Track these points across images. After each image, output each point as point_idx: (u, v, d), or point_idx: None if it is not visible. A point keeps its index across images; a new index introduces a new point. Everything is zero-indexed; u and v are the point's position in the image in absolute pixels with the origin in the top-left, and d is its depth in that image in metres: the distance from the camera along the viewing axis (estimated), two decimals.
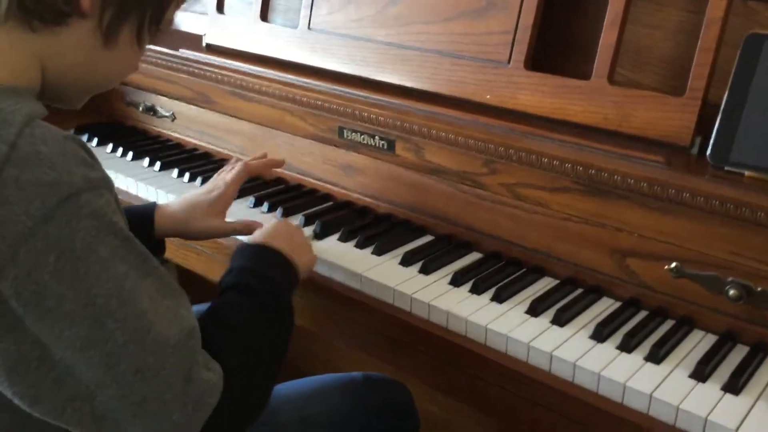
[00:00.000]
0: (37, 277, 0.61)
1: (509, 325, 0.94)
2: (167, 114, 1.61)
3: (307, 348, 1.92)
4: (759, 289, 0.89)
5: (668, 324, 0.96)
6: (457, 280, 1.04)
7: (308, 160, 1.35)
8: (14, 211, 0.60)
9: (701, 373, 0.85)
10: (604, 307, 1.00)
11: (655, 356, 0.88)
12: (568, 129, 1.05)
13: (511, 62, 1.12)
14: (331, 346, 1.86)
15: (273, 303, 0.84)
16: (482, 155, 1.10)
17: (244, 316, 0.79)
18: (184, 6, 0.93)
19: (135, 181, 1.40)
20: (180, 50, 1.53)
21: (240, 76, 1.40)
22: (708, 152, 0.95)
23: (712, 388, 0.83)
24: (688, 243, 0.94)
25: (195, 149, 1.57)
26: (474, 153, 1.10)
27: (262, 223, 1.06)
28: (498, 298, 1.00)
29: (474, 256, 1.13)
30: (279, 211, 1.25)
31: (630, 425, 0.81)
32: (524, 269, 1.09)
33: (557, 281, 1.06)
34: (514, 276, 1.06)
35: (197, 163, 1.49)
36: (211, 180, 1.15)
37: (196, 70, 1.48)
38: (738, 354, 0.90)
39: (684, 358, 0.89)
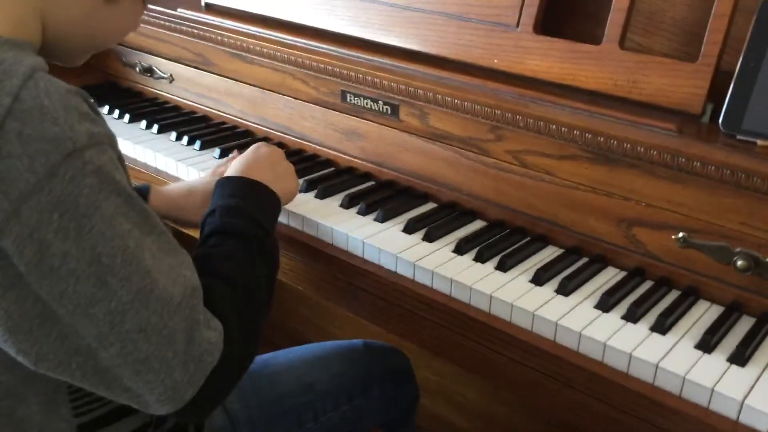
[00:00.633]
0: (40, 234, 0.60)
1: (513, 293, 0.93)
2: (165, 75, 1.58)
3: (306, 316, 1.92)
4: (767, 259, 0.88)
5: (674, 294, 0.95)
6: (461, 248, 1.03)
7: (310, 125, 1.33)
8: (17, 167, 0.59)
9: (707, 343, 0.84)
10: (610, 276, 0.99)
11: (661, 326, 0.87)
12: (577, 95, 1.03)
13: (520, 26, 1.09)
14: (331, 314, 1.85)
15: (260, 243, 0.83)
16: (488, 121, 1.07)
17: (235, 263, 0.79)
18: None
19: (132, 143, 1.38)
20: (178, 9, 1.49)
21: (240, 37, 1.37)
22: (720, 120, 0.93)
23: (718, 359, 0.82)
24: (697, 213, 0.93)
25: (193, 112, 1.55)
26: (480, 119, 1.08)
27: None
28: (502, 267, 0.99)
29: (478, 224, 1.12)
30: None
31: (636, 395, 0.81)
32: (529, 238, 1.07)
33: (562, 250, 1.05)
34: (518, 244, 1.05)
35: (195, 126, 1.47)
36: (211, 170, 1.13)
37: (195, 31, 1.45)
38: (744, 325, 0.89)
39: (690, 329, 0.88)
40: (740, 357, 0.82)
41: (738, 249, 0.90)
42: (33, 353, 0.64)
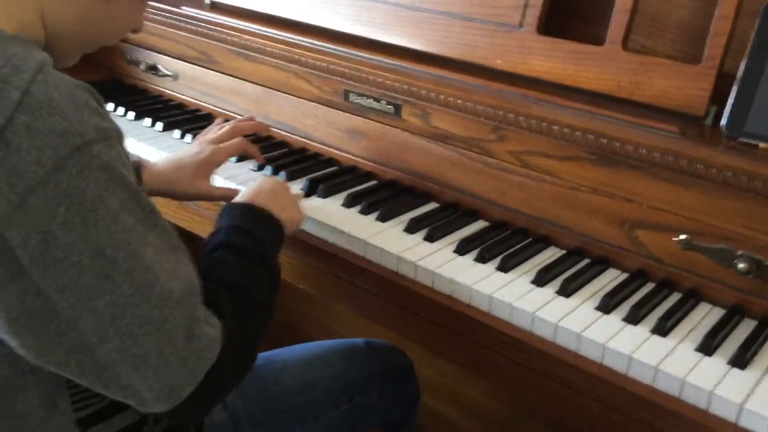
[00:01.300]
0: (45, 227, 0.60)
1: (514, 294, 0.93)
2: (169, 73, 1.58)
3: (307, 313, 1.93)
4: None
5: (675, 296, 0.95)
6: (462, 249, 1.03)
7: (312, 124, 1.33)
8: (25, 159, 0.59)
9: (708, 346, 0.84)
10: (611, 278, 0.99)
11: (662, 329, 0.87)
12: (579, 96, 1.03)
13: (524, 26, 1.09)
14: (331, 312, 1.86)
15: (262, 261, 0.84)
16: (491, 121, 1.08)
17: (237, 274, 0.80)
18: None
19: (136, 141, 1.38)
20: (182, 7, 1.50)
21: (244, 36, 1.37)
22: (723, 123, 0.93)
23: (718, 362, 0.82)
24: (699, 215, 0.92)
25: (197, 110, 1.55)
26: (482, 119, 1.08)
27: None
28: (503, 267, 0.99)
29: (480, 225, 1.12)
30: (282, 174, 1.23)
31: (635, 397, 0.81)
32: (530, 239, 1.07)
33: (564, 251, 1.05)
34: (520, 245, 1.05)
35: (200, 123, 1.47)
36: (197, 141, 1.13)
37: (199, 29, 1.45)
38: (745, 328, 0.89)
39: (691, 332, 0.88)
40: (741, 360, 0.82)
41: (740, 252, 0.90)
42: (33, 348, 0.64)
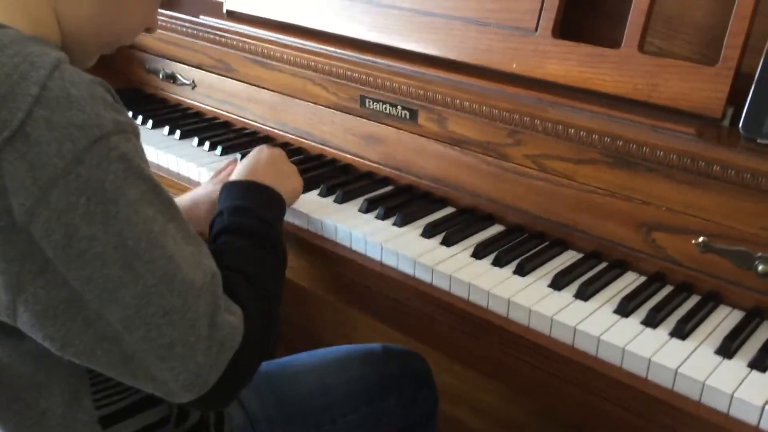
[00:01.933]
0: (68, 219, 0.61)
1: (532, 298, 0.93)
2: (187, 82, 1.60)
3: (326, 319, 1.93)
4: None
5: (694, 299, 0.94)
6: (479, 253, 1.03)
7: (329, 130, 1.34)
8: (46, 153, 0.60)
9: (727, 349, 0.83)
10: (629, 281, 0.99)
11: (681, 332, 0.86)
12: (596, 99, 1.02)
13: (539, 30, 1.09)
14: (348, 317, 1.86)
15: (268, 240, 0.85)
16: (507, 126, 1.08)
17: (247, 258, 0.81)
18: None
19: (155, 149, 1.40)
20: (200, 17, 1.51)
21: (261, 44, 1.38)
22: (740, 124, 0.92)
23: (738, 365, 0.82)
24: (717, 217, 0.92)
25: (215, 118, 1.56)
26: (499, 123, 1.08)
27: None
28: (521, 271, 0.99)
29: (496, 229, 1.12)
30: None
31: (655, 400, 0.80)
32: (547, 242, 1.07)
33: (581, 255, 1.05)
34: (537, 249, 1.05)
35: (217, 131, 1.49)
36: (210, 181, 1.13)
37: (217, 37, 1.47)
38: (765, 330, 0.88)
39: (710, 334, 0.87)
40: (761, 362, 0.81)
41: (759, 254, 0.89)
42: (59, 338, 0.65)
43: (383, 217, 1.13)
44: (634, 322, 0.89)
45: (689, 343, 0.85)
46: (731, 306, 0.93)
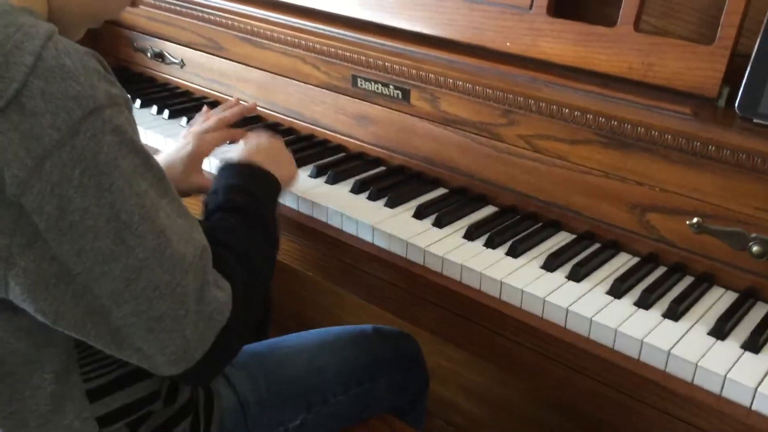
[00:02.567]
0: (61, 191, 0.61)
1: (524, 279, 0.92)
2: (176, 61, 1.58)
3: (314, 300, 1.92)
4: None
5: (687, 280, 0.94)
6: (471, 234, 1.02)
7: (320, 110, 1.32)
8: (41, 124, 0.59)
9: (721, 330, 0.83)
10: (622, 262, 0.98)
11: (674, 313, 0.86)
12: (591, 78, 1.01)
13: (533, 7, 1.07)
14: (339, 299, 1.85)
15: (262, 221, 0.85)
16: (500, 105, 1.06)
17: (239, 236, 0.81)
18: None
19: (143, 129, 1.37)
20: None
21: (251, 22, 1.36)
22: (736, 104, 0.91)
23: (731, 346, 0.81)
24: (712, 198, 0.91)
25: (204, 97, 1.54)
26: (492, 103, 1.07)
27: None
28: (513, 253, 0.98)
29: (489, 210, 1.11)
30: None
31: (647, 382, 0.80)
32: (540, 223, 1.06)
33: (574, 236, 1.04)
34: (530, 230, 1.04)
35: None
36: (182, 134, 1.11)
37: (206, 15, 1.44)
38: (759, 312, 0.88)
39: (703, 315, 0.87)
40: (754, 344, 0.81)
41: (753, 235, 0.88)
42: (51, 312, 0.65)
43: (375, 197, 1.12)
44: (626, 303, 0.89)
45: (682, 324, 0.85)
46: (725, 287, 0.93)
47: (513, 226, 1.04)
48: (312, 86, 1.32)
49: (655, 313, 0.87)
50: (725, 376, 0.76)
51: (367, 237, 1.05)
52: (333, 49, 1.24)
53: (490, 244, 1.00)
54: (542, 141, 1.04)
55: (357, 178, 1.17)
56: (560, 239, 1.04)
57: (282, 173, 0.96)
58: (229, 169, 0.92)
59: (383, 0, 1.24)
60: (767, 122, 0.89)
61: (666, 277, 0.94)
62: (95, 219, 0.62)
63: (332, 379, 1.06)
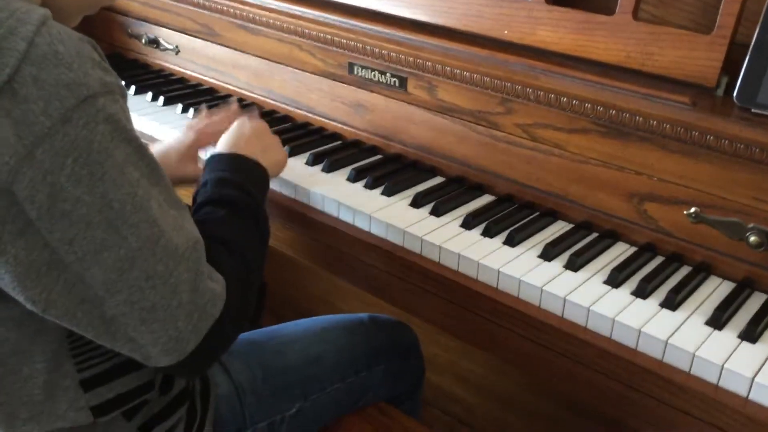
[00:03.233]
0: (53, 179, 0.60)
1: (522, 269, 0.92)
2: (171, 47, 1.56)
3: (310, 289, 1.92)
4: None
5: (685, 270, 0.94)
6: (468, 223, 1.01)
7: (316, 97, 1.31)
8: (33, 110, 0.59)
9: (718, 320, 0.83)
10: (620, 251, 0.98)
11: (671, 302, 0.86)
12: (588, 67, 1.01)
13: None
14: (335, 288, 1.85)
15: (251, 212, 0.85)
16: (498, 94, 1.06)
17: (229, 228, 0.81)
18: None
19: (138, 116, 1.36)
20: None
21: (246, 8, 1.35)
22: (735, 93, 0.91)
23: (728, 336, 0.81)
24: (710, 187, 0.91)
25: (199, 84, 1.53)
26: (489, 91, 1.06)
27: None
28: (510, 242, 0.98)
29: (486, 199, 1.11)
30: (286, 150, 1.21)
31: (644, 371, 0.80)
32: (538, 212, 1.06)
33: (571, 225, 1.04)
34: (527, 219, 1.04)
35: (202, 98, 1.45)
36: (182, 130, 1.12)
37: (201, 1, 1.43)
38: (756, 302, 0.88)
39: (700, 305, 0.87)
40: (751, 334, 0.81)
41: (751, 224, 0.88)
42: (41, 300, 0.64)
43: (371, 186, 1.11)
44: (624, 292, 0.89)
45: (679, 314, 0.85)
46: (722, 277, 0.93)
47: (510, 215, 1.04)
48: (308, 73, 1.31)
49: (652, 302, 0.87)
50: (722, 365, 0.76)
51: (363, 226, 1.04)
52: (329, 36, 1.23)
53: (488, 233, 1.00)
54: (540, 130, 1.04)
55: (353, 166, 1.16)
56: (558, 228, 1.03)
57: (270, 159, 0.96)
58: (216, 160, 0.92)
59: None
60: (765, 112, 0.89)
61: (663, 266, 0.94)
62: (87, 208, 0.62)
63: (329, 367, 1.06)
